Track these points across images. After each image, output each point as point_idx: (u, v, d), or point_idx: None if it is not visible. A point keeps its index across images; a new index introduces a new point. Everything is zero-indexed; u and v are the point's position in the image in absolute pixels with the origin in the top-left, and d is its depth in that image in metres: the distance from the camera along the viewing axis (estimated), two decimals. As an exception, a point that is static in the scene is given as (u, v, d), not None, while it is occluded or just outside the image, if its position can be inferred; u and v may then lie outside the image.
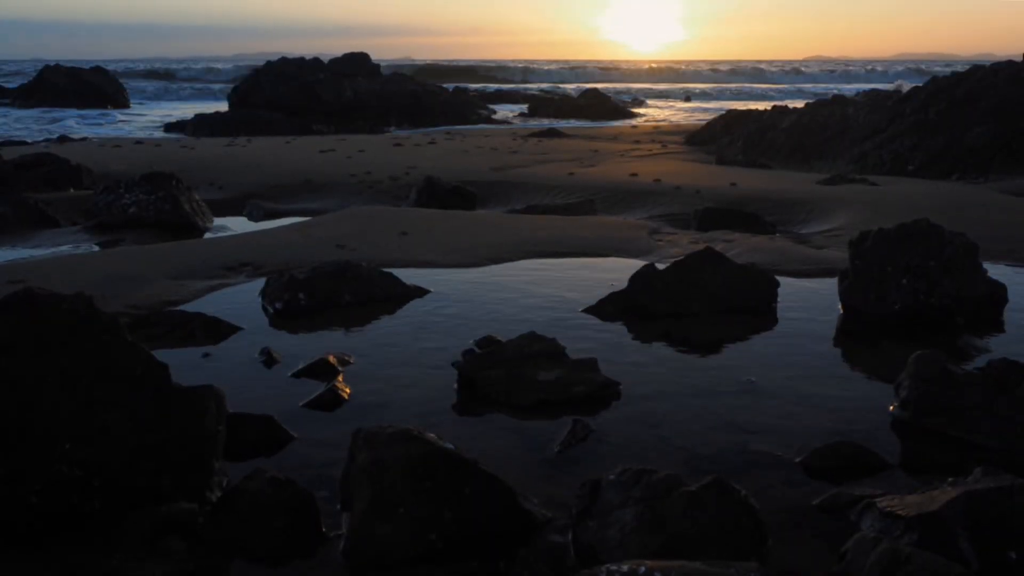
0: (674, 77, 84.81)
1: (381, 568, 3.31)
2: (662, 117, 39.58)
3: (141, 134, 28.66)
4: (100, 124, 33.74)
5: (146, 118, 37.06)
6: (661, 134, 24.78)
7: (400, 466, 3.42)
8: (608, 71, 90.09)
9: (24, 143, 23.38)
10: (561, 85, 65.44)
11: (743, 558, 3.10)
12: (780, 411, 4.86)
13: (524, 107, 43.39)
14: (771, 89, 64.99)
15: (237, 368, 5.54)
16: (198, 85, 63.06)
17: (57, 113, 37.76)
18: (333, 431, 4.50)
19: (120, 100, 44.95)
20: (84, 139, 25.24)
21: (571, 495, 3.56)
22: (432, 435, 3.62)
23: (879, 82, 67.16)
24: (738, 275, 6.96)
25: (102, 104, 42.22)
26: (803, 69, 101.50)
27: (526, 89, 58.75)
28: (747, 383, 5.28)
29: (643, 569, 2.73)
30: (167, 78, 69.91)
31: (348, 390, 5.07)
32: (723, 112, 23.74)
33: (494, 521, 3.47)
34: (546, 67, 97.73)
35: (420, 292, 7.21)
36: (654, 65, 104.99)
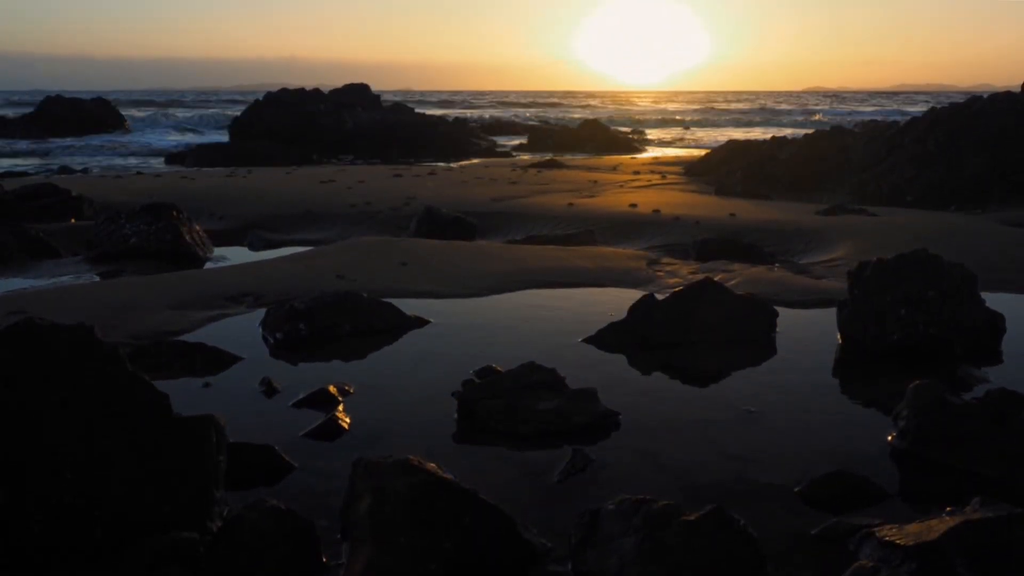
0: (674, 108, 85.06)
1: (381, 598, 3.31)
2: (661, 148, 39.73)
3: (142, 164, 28.73)
4: (100, 154, 33.83)
5: (147, 149, 37.14)
6: (660, 164, 24.86)
7: (400, 496, 3.43)
8: (608, 102, 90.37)
9: (25, 174, 23.47)
10: (560, 116, 65.70)
11: (742, 588, 3.11)
12: (779, 441, 4.88)
13: (523, 138, 43.55)
14: (770, 120, 65.14)
15: (237, 398, 5.56)
16: (199, 115, 63.34)
17: (57, 143, 37.90)
18: (333, 461, 4.51)
19: (121, 130, 45.16)
20: (85, 170, 25.33)
21: (570, 525, 3.57)
22: (432, 465, 3.64)
23: (878, 114, 67.35)
24: (737, 305, 6.98)
25: (103, 134, 42.42)
26: (802, 100, 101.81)
27: (526, 120, 58.98)
28: (746, 413, 5.30)
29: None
30: (168, 108, 70.07)
31: (348, 420, 5.08)
32: (722, 143, 23.82)
33: (494, 551, 3.47)
34: (548, 98, 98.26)
35: (420, 322, 7.23)
36: (654, 96, 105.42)
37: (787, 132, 24.73)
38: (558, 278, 8.96)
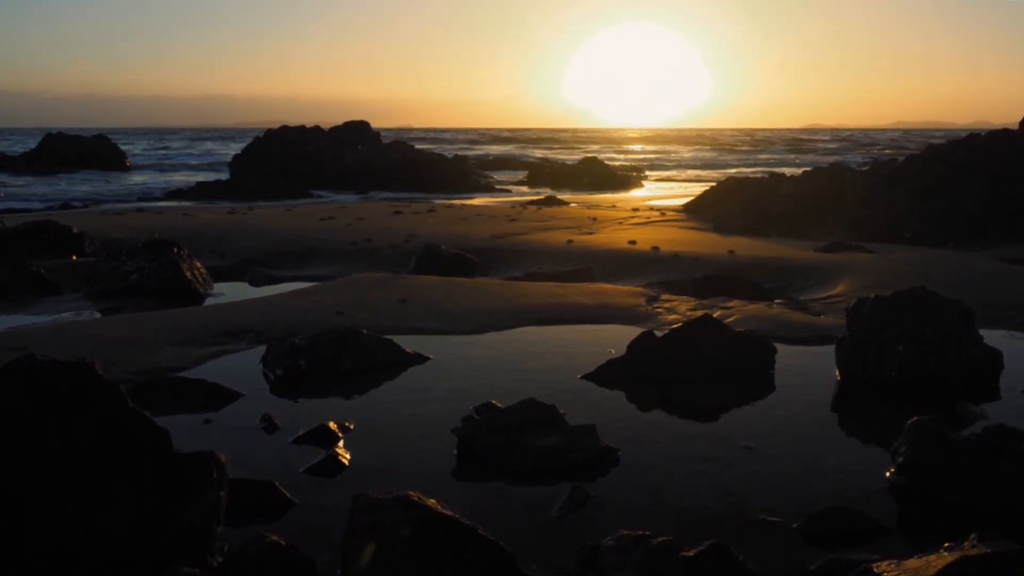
0: (671, 146, 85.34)
1: (380, 634, 3.31)
2: (660, 185, 39.88)
3: (143, 201, 28.82)
4: (101, 190, 33.91)
5: (148, 185, 37.23)
6: (659, 201, 24.94)
7: (400, 532, 3.44)
8: (608, 141, 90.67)
9: (27, 210, 23.54)
10: (559, 153, 65.97)
11: (741, 623, 3.11)
12: (777, 477, 4.89)
13: (523, 175, 43.68)
14: (769, 158, 65.36)
15: (238, 434, 5.57)
16: (200, 154, 63.64)
17: (58, 180, 38.02)
18: (333, 496, 4.52)
19: (122, 167, 45.32)
20: (86, 207, 25.41)
21: (570, 560, 3.57)
22: (432, 501, 3.64)
23: (876, 151, 67.62)
24: (736, 342, 7.00)
25: (104, 172, 42.56)
26: (801, 138, 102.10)
27: (525, 157, 59.19)
28: (745, 449, 5.31)
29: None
30: (169, 147, 70.32)
31: (348, 456, 5.09)
32: (721, 180, 23.92)
33: (493, 586, 3.48)
34: (547, 136, 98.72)
35: (420, 359, 7.25)
36: (651, 134, 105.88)
37: (786, 170, 24.82)
38: (558, 315, 8.99)
